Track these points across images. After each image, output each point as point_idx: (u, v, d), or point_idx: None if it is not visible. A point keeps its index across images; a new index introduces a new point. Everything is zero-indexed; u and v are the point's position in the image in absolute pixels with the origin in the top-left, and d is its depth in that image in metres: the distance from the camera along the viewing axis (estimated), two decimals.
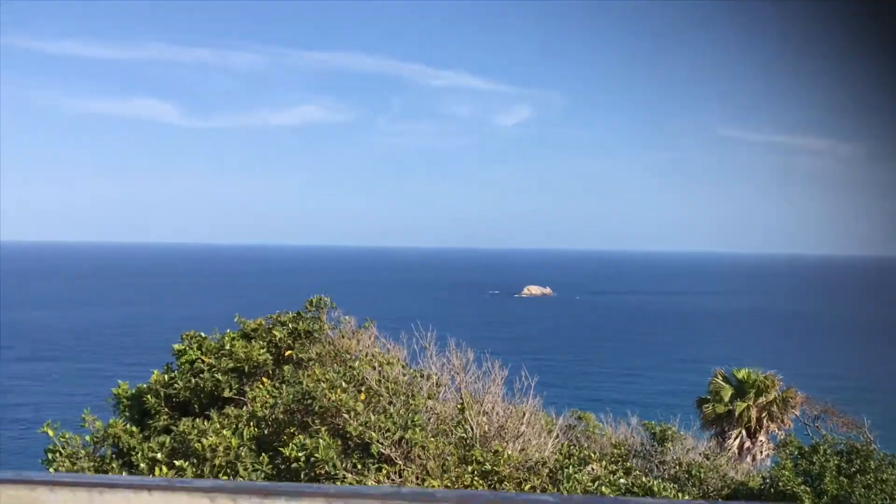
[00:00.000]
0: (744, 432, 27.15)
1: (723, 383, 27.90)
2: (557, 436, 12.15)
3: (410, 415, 9.58)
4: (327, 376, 10.07)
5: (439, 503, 1.40)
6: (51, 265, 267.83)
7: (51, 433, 10.14)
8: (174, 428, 10.07)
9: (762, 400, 27.15)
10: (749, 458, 25.93)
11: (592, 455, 10.65)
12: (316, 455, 8.73)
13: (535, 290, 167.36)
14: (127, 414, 11.35)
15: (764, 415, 27.16)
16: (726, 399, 27.31)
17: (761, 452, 26.71)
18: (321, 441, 8.90)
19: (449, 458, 9.57)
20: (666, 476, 13.61)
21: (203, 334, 11.88)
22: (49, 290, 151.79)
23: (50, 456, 10.10)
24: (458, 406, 10.78)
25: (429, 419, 10.61)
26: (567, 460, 10.18)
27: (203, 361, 11.16)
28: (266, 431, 9.82)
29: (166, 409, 10.96)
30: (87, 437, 10.56)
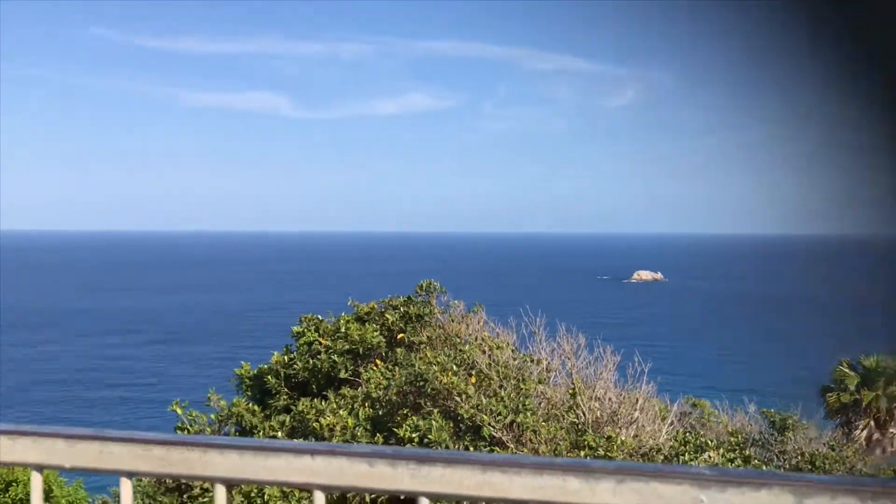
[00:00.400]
0: (872, 423, 25.81)
1: (848, 371, 26.61)
2: (672, 422, 11.89)
3: (521, 399, 9.59)
4: (438, 359, 10.19)
5: (595, 474, 1.39)
6: (171, 254, 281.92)
7: (179, 412, 10.67)
8: (293, 407, 10.44)
9: (893, 389, 25.72)
10: (878, 451, 24.64)
11: (710, 442, 10.37)
12: (429, 436, 8.87)
13: (645, 275, 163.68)
14: (249, 393, 11.84)
15: (895, 405, 25.74)
16: (852, 388, 26.03)
17: (893, 445, 25.35)
18: (434, 423, 9.02)
19: (561, 442, 9.54)
20: (787, 466, 13.12)
21: (320, 317, 12.25)
22: (173, 278, 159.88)
23: (178, 434, 10.67)
24: (570, 391, 10.70)
25: (539, 403, 10.59)
26: (683, 447, 9.97)
27: (320, 343, 11.51)
28: (380, 412, 10.04)
29: (286, 389, 11.36)
30: (213, 416, 11.08)
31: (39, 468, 1.71)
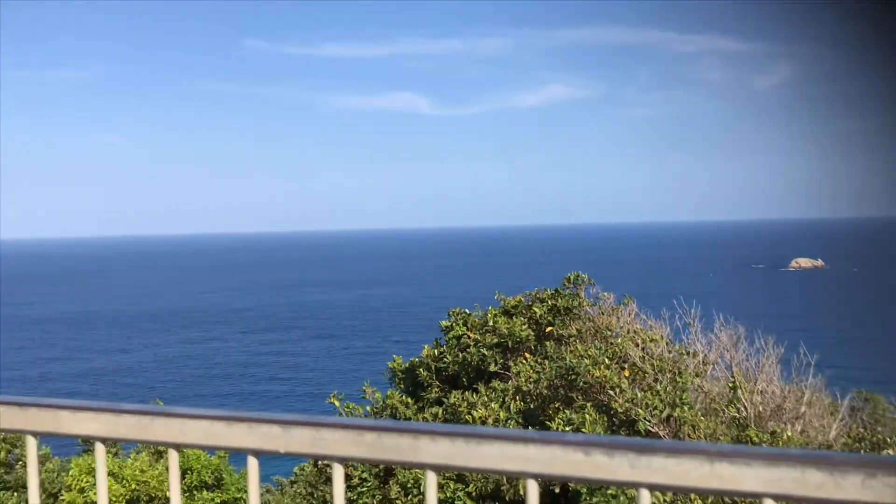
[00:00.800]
0: None
1: None
2: (843, 418, 11.15)
3: (678, 392, 9.26)
4: (589, 352, 10.01)
5: (840, 466, 1.26)
6: (320, 254, 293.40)
7: (336, 404, 11.05)
8: (445, 400, 10.56)
9: None
10: None
11: (888, 439, 9.63)
12: (583, 430, 8.73)
13: (804, 262, 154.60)
14: (402, 386, 12.09)
15: None
16: None
17: None
18: (587, 416, 8.87)
19: (721, 437, 9.14)
20: None
21: (467, 311, 12.33)
22: (324, 276, 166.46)
23: None
24: (730, 384, 10.23)
25: (697, 397, 10.20)
26: (857, 444, 9.31)
27: (469, 337, 11.58)
28: (531, 406, 9.98)
29: (437, 382, 11.52)
30: (368, 408, 11.41)
31: (256, 453, 1.72)
